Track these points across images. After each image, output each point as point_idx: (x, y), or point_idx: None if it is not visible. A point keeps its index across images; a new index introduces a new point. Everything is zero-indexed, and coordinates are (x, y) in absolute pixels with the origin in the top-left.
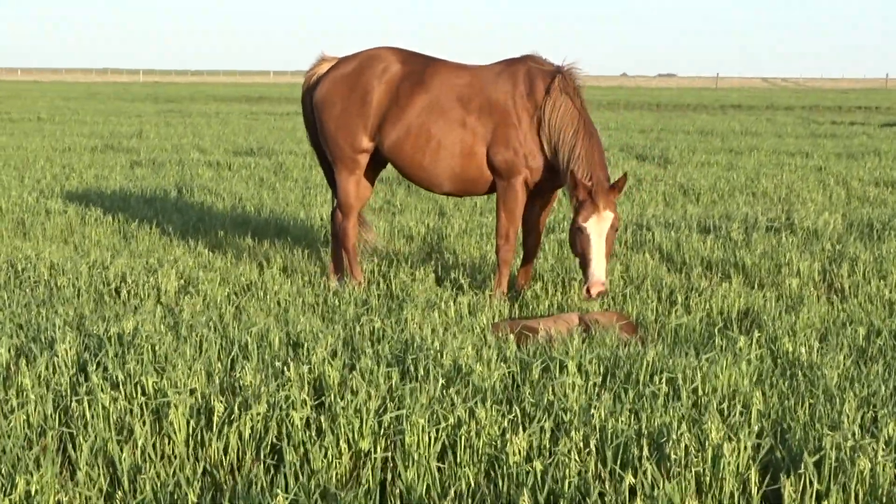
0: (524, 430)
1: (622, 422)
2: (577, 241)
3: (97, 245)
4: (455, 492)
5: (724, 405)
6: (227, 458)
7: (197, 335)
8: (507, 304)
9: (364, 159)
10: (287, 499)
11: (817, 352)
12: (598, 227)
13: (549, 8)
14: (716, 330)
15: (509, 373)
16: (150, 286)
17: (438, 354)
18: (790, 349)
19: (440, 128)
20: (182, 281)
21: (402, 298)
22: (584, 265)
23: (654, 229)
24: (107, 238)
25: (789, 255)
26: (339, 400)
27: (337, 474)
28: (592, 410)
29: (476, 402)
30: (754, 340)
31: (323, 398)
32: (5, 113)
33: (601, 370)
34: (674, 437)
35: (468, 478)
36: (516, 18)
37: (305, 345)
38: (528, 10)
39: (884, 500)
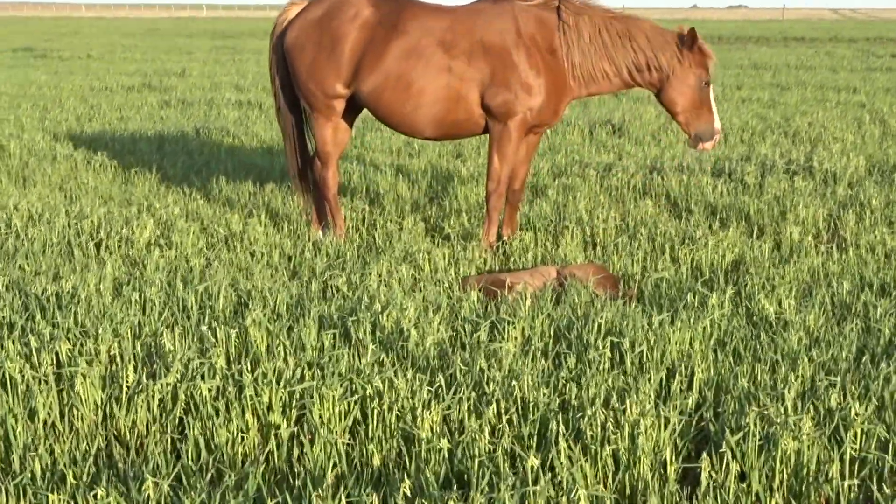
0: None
1: (545, 394)
2: (700, 97)
3: (93, 191)
4: (352, 472)
5: (663, 373)
6: (136, 431)
7: (140, 295)
8: (491, 255)
9: (340, 105)
10: (162, 483)
11: (794, 309)
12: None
13: None
14: (699, 284)
15: (455, 336)
16: (121, 238)
17: (380, 316)
18: (764, 306)
19: (422, 74)
20: (158, 232)
21: (381, 250)
22: (708, 118)
23: (666, 173)
24: (105, 185)
25: (797, 201)
26: (248, 369)
27: (244, 450)
28: (514, 381)
29: (395, 371)
30: (727, 297)
31: (237, 366)
32: (57, 51)
33: (550, 333)
34: (589, 412)
35: (374, 457)
36: None
37: (251, 304)
38: None
39: (809, 482)
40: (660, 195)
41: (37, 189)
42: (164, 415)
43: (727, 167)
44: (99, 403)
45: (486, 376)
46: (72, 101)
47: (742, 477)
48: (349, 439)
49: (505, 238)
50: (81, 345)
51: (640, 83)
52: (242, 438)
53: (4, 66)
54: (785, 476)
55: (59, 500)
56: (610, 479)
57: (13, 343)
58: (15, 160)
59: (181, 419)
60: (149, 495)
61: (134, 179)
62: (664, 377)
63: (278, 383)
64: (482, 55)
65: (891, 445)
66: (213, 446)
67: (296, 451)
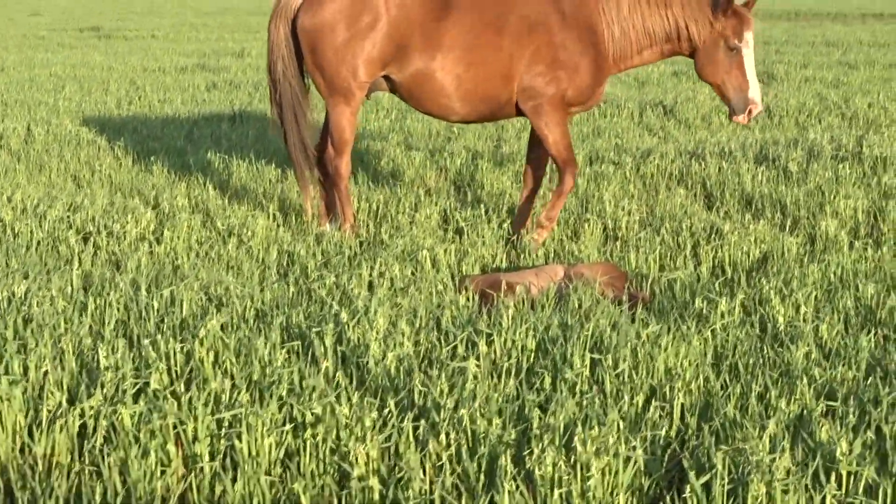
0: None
1: (496, 424)
2: (731, 64)
3: (106, 180)
4: None
5: (641, 398)
6: (55, 460)
7: (101, 300)
8: (501, 250)
9: (364, 91)
10: None
11: (810, 316)
12: (750, 44)
13: None
14: (716, 285)
15: (430, 348)
16: (111, 233)
17: (346, 326)
18: (779, 311)
19: (474, 53)
20: (153, 226)
21: (386, 245)
22: (740, 88)
23: (706, 159)
24: (122, 173)
25: (838, 190)
26: (183, 390)
27: (164, 485)
28: (462, 410)
29: (338, 396)
30: (738, 302)
31: (173, 386)
32: (122, 31)
33: (532, 345)
34: (536, 450)
35: (302, 498)
36: None
37: (212, 311)
38: None
39: None
40: (696, 183)
41: (46, 178)
42: (83, 443)
43: (772, 153)
44: (18, 430)
45: (438, 401)
46: (117, 84)
47: None
48: (281, 475)
49: (522, 232)
50: (9, 361)
51: (677, 52)
52: (163, 473)
53: (66, 47)
54: None
55: None
56: None
57: None
58: (38, 146)
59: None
60: None
61: (152, 167)
62: (642, 401)
63: (208, 407)
64: (528, 32)
65: (881, 491)
66: (128, 482)
67: (218, 488)
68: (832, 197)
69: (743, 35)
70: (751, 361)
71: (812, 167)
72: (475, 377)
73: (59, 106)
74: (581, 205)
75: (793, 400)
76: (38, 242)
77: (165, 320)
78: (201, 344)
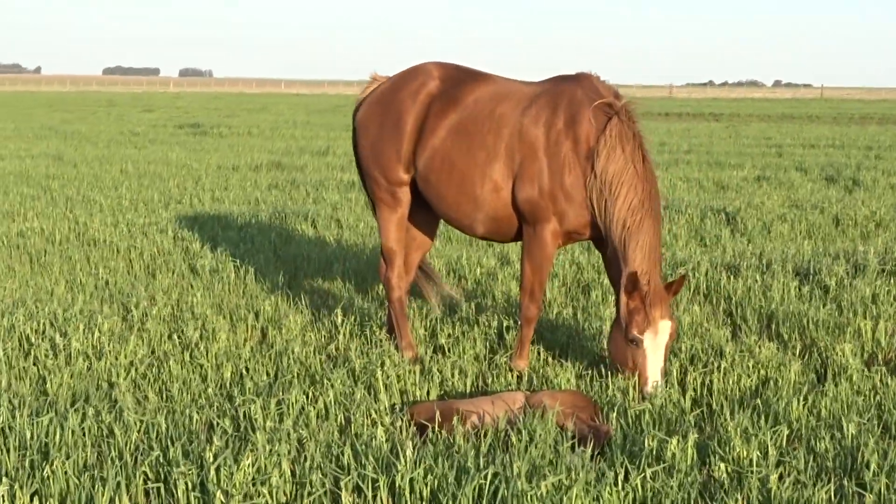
0: None
1: None
2: (629, 354)
3: (102, 284)
4: None
5: None
6: None
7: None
8: (475, 371)
9: (404, 194)
10: None
11: (772, 462)
12: (654, 340)
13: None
14: (690, 417)
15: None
16: (53, 345)
17: (209, 471)
18: (740, 454)
19: (463, 155)
20: (106, 337)
21: (351, 362)
22: (638, 380)
23: (740, 272)
24: (120, 276)
25: (869, 309)
26: None
27: None
28: None
29: None
30: (690, 444)
31: None
32: (223, 128)
33: (426, 494)
34: None
35: None
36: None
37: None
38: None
39: None
40: (721, 298)
41: (35, 279)
42: None
43: (813, 266)
44: None
45: None
46: (178, 181)
47: None
48: None
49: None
50: None
51: None
52: None
53: (155, 143)
54: None
55: None
56: None
57: None
58: (54, 245)
59: None
60: None
61: (157, 271)
62: None
63: None
64: (519, 141)
65: None
66: None
67: None
68: (853, 317)
69: (644, 330)
70: None
71: (854, 283)
72: None
73: (102, 203)
74: (586, 321)
75: None
76: None
77: (28, 453)
78: (24, 488)
